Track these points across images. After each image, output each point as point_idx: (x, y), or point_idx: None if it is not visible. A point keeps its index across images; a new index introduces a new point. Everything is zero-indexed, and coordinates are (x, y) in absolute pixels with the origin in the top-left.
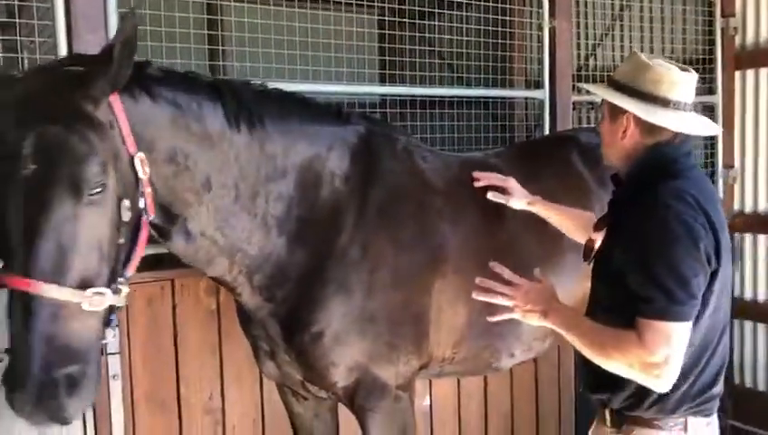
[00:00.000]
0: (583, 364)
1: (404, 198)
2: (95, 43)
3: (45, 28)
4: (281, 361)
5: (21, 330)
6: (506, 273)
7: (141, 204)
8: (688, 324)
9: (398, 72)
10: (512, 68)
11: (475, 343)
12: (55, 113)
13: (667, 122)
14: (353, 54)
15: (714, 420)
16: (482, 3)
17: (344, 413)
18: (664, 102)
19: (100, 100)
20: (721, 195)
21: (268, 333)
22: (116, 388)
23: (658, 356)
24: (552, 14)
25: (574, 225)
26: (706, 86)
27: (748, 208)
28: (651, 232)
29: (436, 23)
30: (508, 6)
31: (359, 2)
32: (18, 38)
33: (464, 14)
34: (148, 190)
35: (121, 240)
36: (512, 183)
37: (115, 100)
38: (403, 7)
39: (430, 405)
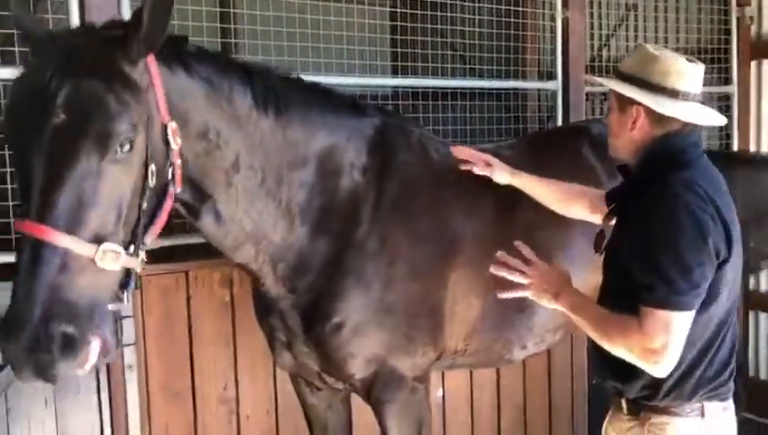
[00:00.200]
0: (596, 353)
1: (419, 190)
2: None
3: (59, 22)
4: (298, 352)
5: (26, 278)
6: (526, 251)
7: (169, 174)
8: (689, 314)
9: (410, 64)
10: (524, 59)
11: (487, 335)
12: (93, 69)
13: (678, 113)
14: (365, 46)
15: (730, 405)
16: None
17: (357, 404)
18: (673, 93)
19: (137, 60)
20: None
21: (286, 324)
22: (131, 378)
23: (657, 343)
24: (564, 5)
25: (557, 197)
26: (722, 76)
27: None
28: (658, 221)
29: (449, 14)
30: None
31: None
32: None
33: (476, 4)
34: (178, 162)
35: (144, 205)
36: (490, 158)
37: (153, 65)
38: None
39: (443, 396)
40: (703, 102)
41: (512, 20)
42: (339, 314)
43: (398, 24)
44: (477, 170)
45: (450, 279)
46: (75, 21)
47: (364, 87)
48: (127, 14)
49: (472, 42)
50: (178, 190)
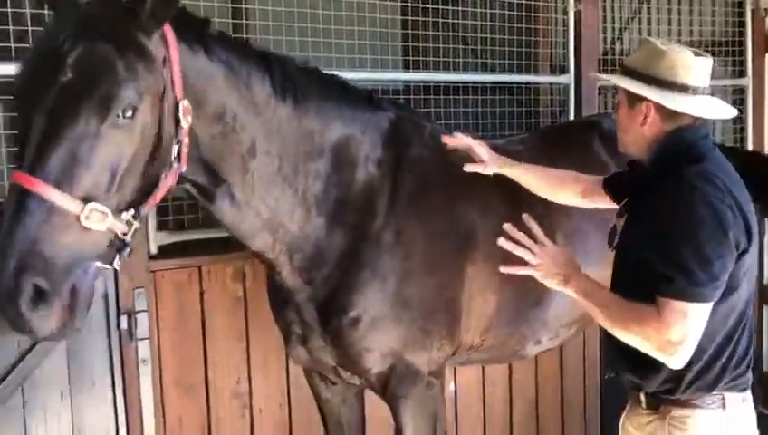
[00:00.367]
0: (613, 347)
1: (434, 184)
2: None
3: None
4: (313, 346)
5: (7, 227)
6: (536, 229)
7: (175, 151)
8: (708, 306)
9: (421, 59)
10: (537, 53)
11: (502, 330)
12: (107, 34)
13: (689, 108)
14: (377, 41)
15: (748, 396)
16: None
17: (370, 398)
18: (682, 88)
19: (151, 31)
20: None
21: (302, 318)
22: (146, 372)
23: (674, 334)
24: None
25: (543, 184)
26: (736, 69)
27: None
28: (677, 213)
29: (460, 8)
30: None
31: None
32: None
33: None
34: (186, 141)
35: (142, 174)
36: (480, 149)
37: (172, 41)
38: None
39: (455, 391)
40: (712, 95)
41: (524, 13)
42: (355, 307)
43: (410, 18)
44: (468, 168)
45: (467, 274)
46: None
47: (376, 82)
48: None
49: (484, 36)
50: (184, 169)
